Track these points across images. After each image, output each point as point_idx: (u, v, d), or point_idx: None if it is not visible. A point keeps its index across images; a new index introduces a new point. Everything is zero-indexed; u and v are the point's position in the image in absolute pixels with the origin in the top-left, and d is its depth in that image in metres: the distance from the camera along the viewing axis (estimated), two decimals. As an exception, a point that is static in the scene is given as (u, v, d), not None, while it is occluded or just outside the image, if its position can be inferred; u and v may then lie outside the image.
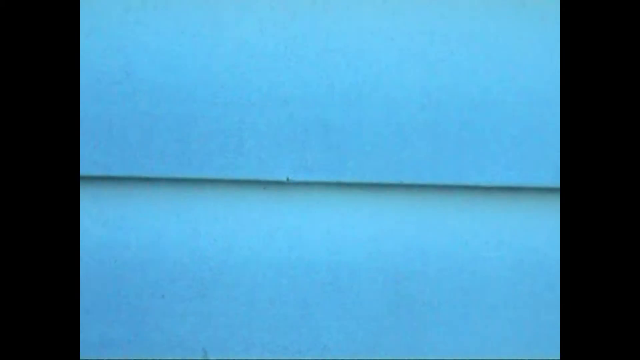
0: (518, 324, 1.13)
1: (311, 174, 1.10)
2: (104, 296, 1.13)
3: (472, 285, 1.13)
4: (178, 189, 1.11)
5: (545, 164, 1.09)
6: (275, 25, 1.07)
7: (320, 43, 1.08)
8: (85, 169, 1.09)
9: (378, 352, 1.13)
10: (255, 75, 1.08)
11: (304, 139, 1.09)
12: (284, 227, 1.12)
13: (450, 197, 1.11)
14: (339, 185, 1.11)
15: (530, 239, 1.12)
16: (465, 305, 1.13)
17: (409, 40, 1.07)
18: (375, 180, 1.10)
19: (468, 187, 1.10)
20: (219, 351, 1.14)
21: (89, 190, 1.11)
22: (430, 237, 1.12)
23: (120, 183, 1.11)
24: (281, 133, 1.09)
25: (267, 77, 1.08)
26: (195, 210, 1.12)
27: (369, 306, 1.13)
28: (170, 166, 1.09)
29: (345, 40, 1.07)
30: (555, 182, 1.09)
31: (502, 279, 1.13)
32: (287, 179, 1.10)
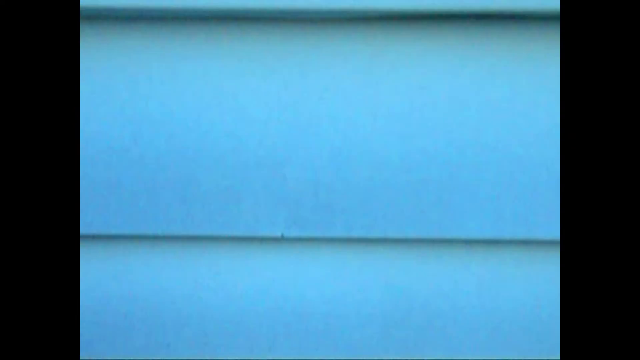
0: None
1: (304, 230, 1.13)
2: (113, 345, 1.17)
3: (455, 332, 1.17)
4: (182, 245, 1.15)
5: (517, 219, 1.13)
6: (269, 95, 1.12)
7: (311, 111, 1.12)
8: (97, 228, 1.13)
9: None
10: (251, 141, 1.12)
11: (296, 198, 1.13)
12: (280, 279, 1.16)
13: (432, 250, 1.15)
14: (330, 240, 1.15)
15: (509, 289, 1.16)
16: (448, 350, 1.17)
17: (390, 107, 1.12)
18: (362, 235, 1.13)
19: (447, 240, 1.14)
20: (221, 395, 1.18)
21: (101, 247, 1.15)
22: (414, 287, 1.16)
23: (129, 241, 1.15)
24: (276, 193, 1.13)
25: (262, 143, 1.12)
26: (198, 264, 1.16)
27: (359, 351, 1.17)
28: (175, 225, 1.13)
29: (333, 108, 1.12)
30: (528, 234, 1.13)
31: (484, 327, 1.17)
32: (282, 235, 1.14)
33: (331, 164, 1.13)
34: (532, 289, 1.16)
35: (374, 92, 1.12)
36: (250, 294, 1.16)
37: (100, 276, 1.16)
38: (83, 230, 1.13)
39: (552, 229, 1.13)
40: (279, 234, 1.14)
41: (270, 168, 1.13)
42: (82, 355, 1.16)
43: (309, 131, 1.13)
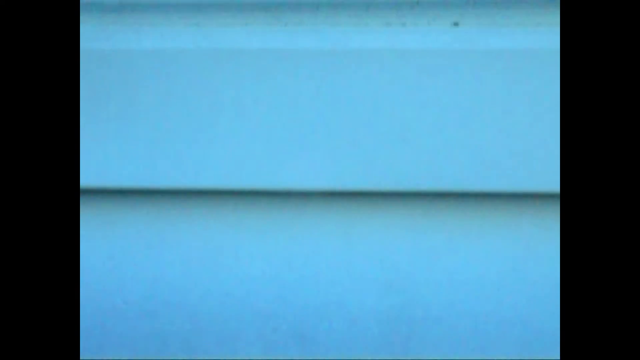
0: None
1: (291, 375, 1.27)
2: None
3: None
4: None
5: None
6: (262, 259, 1.27)
7: (297, 272, 1.27)
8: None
9: None
10: (246, 297, 1.27)
11: (284, 348, 1.27)
12: (271, 418, 1.29)
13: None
14: (315, 384, 1.28)
15: None
16: None
17: (365, 269, 1.26)
18: (342, 381, 1.27)
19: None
20: None
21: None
22: None
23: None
24: (267, 342, 1.27)
25: (255, 299, 1.27)
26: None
27: None
28: (182, 370, 1.28)
29: (316, 270, 1.27)
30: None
31: None
32: (272, 379, 1.27)
33: (314, 318, 1.27)
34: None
35: (351, 256, 1.27)
36: None
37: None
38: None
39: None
40: (269, 379, 1.28)
41: (263, 321, 1.27)
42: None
43: (295, 289, 1.27)
